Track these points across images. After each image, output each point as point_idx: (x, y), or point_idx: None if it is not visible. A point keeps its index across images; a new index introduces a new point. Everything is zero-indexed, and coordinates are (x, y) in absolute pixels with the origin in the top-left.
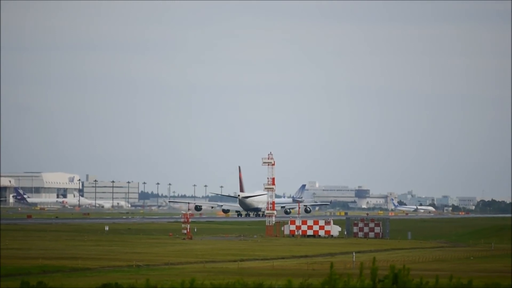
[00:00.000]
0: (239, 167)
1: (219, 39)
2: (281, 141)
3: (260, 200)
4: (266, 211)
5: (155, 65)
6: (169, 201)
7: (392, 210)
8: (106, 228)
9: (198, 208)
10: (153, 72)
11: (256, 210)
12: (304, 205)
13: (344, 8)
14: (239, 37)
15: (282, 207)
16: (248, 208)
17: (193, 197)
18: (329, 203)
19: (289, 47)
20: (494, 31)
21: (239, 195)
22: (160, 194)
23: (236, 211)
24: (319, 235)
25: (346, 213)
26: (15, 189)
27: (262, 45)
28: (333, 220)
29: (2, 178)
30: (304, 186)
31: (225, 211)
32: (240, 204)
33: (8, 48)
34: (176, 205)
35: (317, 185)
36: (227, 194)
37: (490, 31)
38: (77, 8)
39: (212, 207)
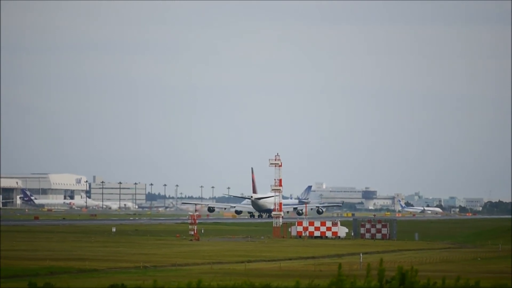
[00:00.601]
0: (252, 168)
1: (219, 39)
2: (288, 142)
3: (273, 201)
4: (274, 212)
5: (159, 66)
6: (182, 203)
7: (399, 211)
8: (113, 229)
9: (211, 209)
10: (157, 73)
11: (269, 211)
12: (317, 206)
13: (345, 8)
14: (240, 38)
15: (294, 208)
16: (260, 209)
17: (200, 198)
18: (341, 204)
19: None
20: (493, 32)
21: (251, 197)
22: (167, 196)
23: (249, 212)
24: (326, 236)
25: (353, 214)
26: (22, 191)
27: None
28: (340, 221)
29: (9, 179)
30: (310, 187)
31: (238, 212)
32: (253, 205)
33: (8, 48)
34: (185, 206)
35: (324, 186)
36: (238, 195)
37: (490, 32)
38: (77, 8)
39: (224, 208)
